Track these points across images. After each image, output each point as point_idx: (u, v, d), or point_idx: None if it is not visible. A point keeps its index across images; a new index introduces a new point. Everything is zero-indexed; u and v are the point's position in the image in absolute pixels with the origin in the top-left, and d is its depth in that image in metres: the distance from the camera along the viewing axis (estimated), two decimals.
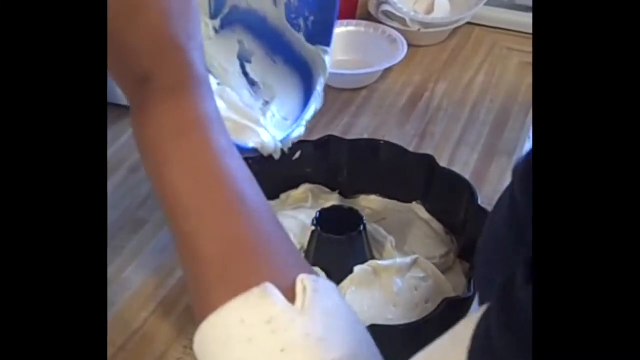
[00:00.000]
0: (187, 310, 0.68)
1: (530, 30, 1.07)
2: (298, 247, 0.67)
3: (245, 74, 0.70)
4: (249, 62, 0.70)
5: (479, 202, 0.68)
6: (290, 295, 0.41)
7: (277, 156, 0.62)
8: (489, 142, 0.90)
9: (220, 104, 0.63)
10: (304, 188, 0.77)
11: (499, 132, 0.91)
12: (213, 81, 0.65)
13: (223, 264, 0.43)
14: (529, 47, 1.07)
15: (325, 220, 0.66)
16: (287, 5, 0.69)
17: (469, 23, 1.11)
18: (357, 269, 0.64)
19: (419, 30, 1.06)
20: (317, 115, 0.68)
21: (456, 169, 0.77)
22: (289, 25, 0.70)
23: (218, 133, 0.46)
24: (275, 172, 0.72)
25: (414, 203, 0.76)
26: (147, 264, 0.73)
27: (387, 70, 1.01)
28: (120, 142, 0.88)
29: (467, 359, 0.32)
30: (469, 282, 0.65)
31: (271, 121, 0.66)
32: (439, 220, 0.74)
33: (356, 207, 0.70)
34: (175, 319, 0.68)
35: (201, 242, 0.43)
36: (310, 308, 0.41)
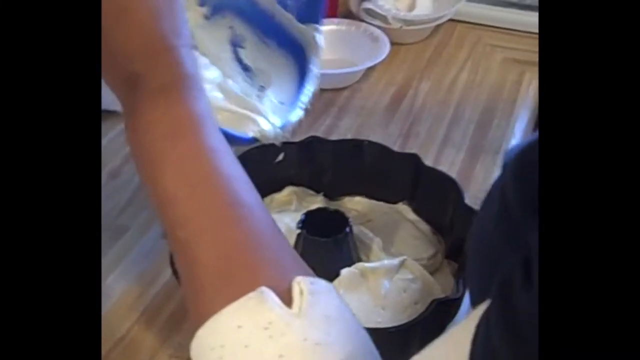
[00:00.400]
0: (172, 317, 0.67)
1: (513, 27, 1.08)
2: None
3: (239, 60, 0.69)
4: (242, 47, 0.69)
5: (466, 201, 0.67)
6: (288, 298, 0.41)
7: (278, 143, 0.62)
8: (475, 141, 0.89)
9: (218, 95, 0.62)
10: (288, 191, 0.76)
11: (484, 130, 0.91)
12: (214, 71, 0.64)
13: (219, 269, 0.43)
14: (512, 43, 1.07)
15: (311, 223, 0.66)
16: None
17: (451, 20, 1.10)
18: (344, 271, 0.64)
19: (401, 27, 1.05)
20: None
21: (442, 168, 0.76)
22: (278, 6, 0.69)
23: (211, 132, 0.46)
24: (258, 175, 0.71)
25: (400, 204, 0.75)
26: (129, 271, 0.71)
27: (370, 69, 1.00)
28: None
29: None
30: (458, 282, 0.64)
31: (269, 107, 0.65)
32: (426, 220, 0.73)
33: (342, 209, 0.69)
34: (160, 327, 0.67)
35: (198, 248, 0.43)
36: (307, 311, 0.41)
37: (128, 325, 0.67)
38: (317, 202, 0.75)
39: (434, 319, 0.57)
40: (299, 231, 0.65)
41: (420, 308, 0.61)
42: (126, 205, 0.78)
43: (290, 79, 0.68)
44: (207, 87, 0.48)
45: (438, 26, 1.09)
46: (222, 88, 0.64)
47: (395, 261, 0.65)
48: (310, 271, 0.45)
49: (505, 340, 0.30)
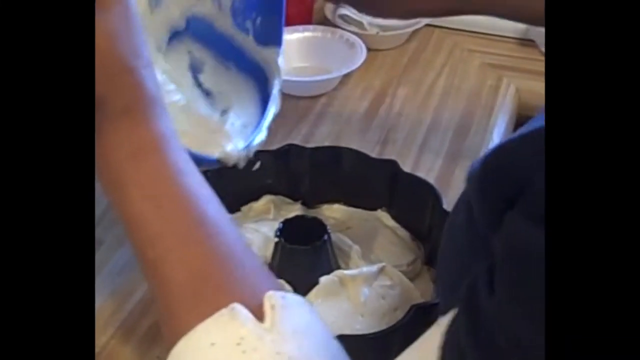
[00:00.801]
0: (148, 333, 0.66)
1: (491, 31, 1.08)
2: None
3: (199, 85, 0.69)
4: (201, 72, 0.69)
5: (445, 207, 0.67)
6: (259, 313, 0.41)
7: (241, 165, 0.62)
8: (453, 147, 0.88)
9: (182, 117, 0.62)
10: (266, 199, 0.76)
11: (462, 135, 0.90)
12: (178, 95, 0.64)
13: (190, 288, 0.43)
14: (489, 48, 1.07)
15: (289, 231, 0.65)
16: (232, 8, 0.68)
17: (428, 25, 1.10)
18: (323, 279, 0.63)
19: (377, 33, 1.05)
20: (275, 124, 0.66)
21: (420, 174, 0.75)
22: (237, 29, 0.68)
23: (175, 152, 0.46)
24: (235, 184, 0.71)
25: (379, 210, 0.74)
26: (104, 286, 0.70)
27: (346, 76, 0.99)
28: None
29: None
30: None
31: (231, 130, 0.65)
32: (405, 227, 0.73)
33: (320, 217, 0.69)
34: (136, 343, 0.65)
35: (167, 268, 0.44)
36: (279, 325, 0.41)
37: (104, 341, 0.66)
38: (295, 210, 0.74)
39: (413, 325, 0.57)
40: (277, 240, 0.65)
41: (400, 314, 0.60)
42: (100, 219, 0.76)
43: (252, 101, 0.68)
44: (171, 109, 0.48)
45: (415, 31, 1.08)
46: (185, 111, 0.63)
47: (374, 268, 0.65)
48: (282, 285, 0.45)
49: (471, 343, 0.31)
